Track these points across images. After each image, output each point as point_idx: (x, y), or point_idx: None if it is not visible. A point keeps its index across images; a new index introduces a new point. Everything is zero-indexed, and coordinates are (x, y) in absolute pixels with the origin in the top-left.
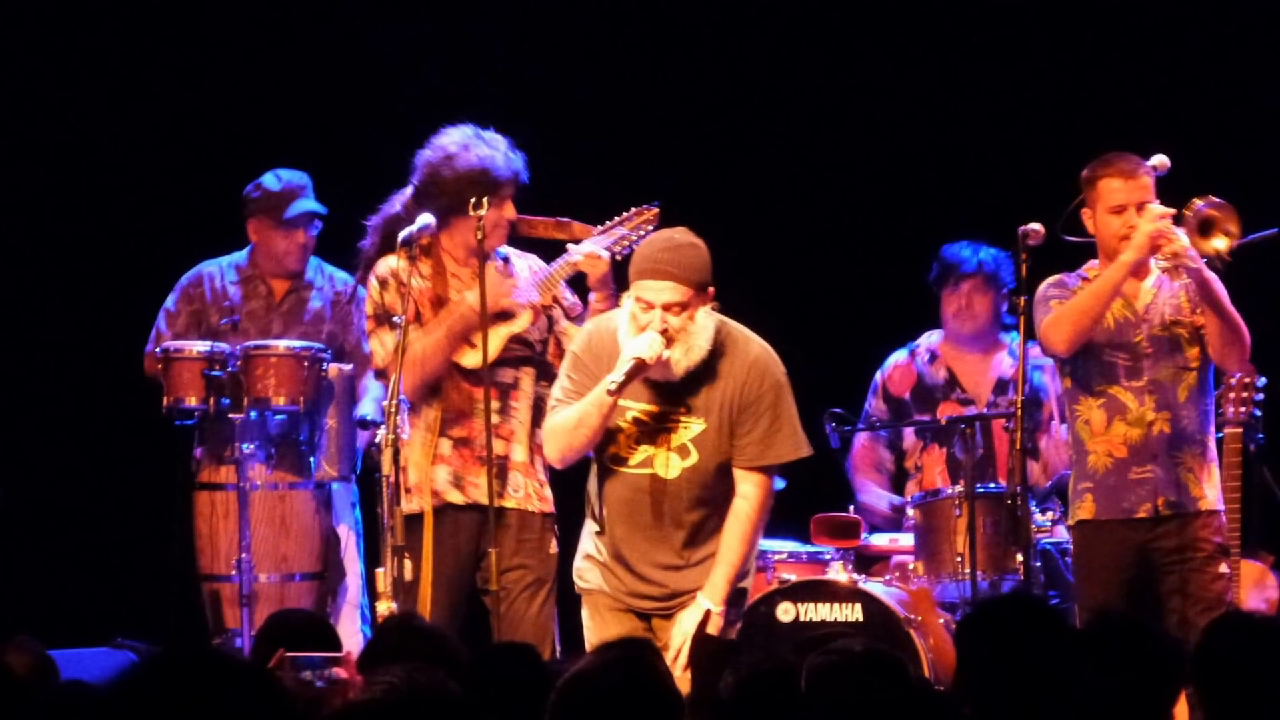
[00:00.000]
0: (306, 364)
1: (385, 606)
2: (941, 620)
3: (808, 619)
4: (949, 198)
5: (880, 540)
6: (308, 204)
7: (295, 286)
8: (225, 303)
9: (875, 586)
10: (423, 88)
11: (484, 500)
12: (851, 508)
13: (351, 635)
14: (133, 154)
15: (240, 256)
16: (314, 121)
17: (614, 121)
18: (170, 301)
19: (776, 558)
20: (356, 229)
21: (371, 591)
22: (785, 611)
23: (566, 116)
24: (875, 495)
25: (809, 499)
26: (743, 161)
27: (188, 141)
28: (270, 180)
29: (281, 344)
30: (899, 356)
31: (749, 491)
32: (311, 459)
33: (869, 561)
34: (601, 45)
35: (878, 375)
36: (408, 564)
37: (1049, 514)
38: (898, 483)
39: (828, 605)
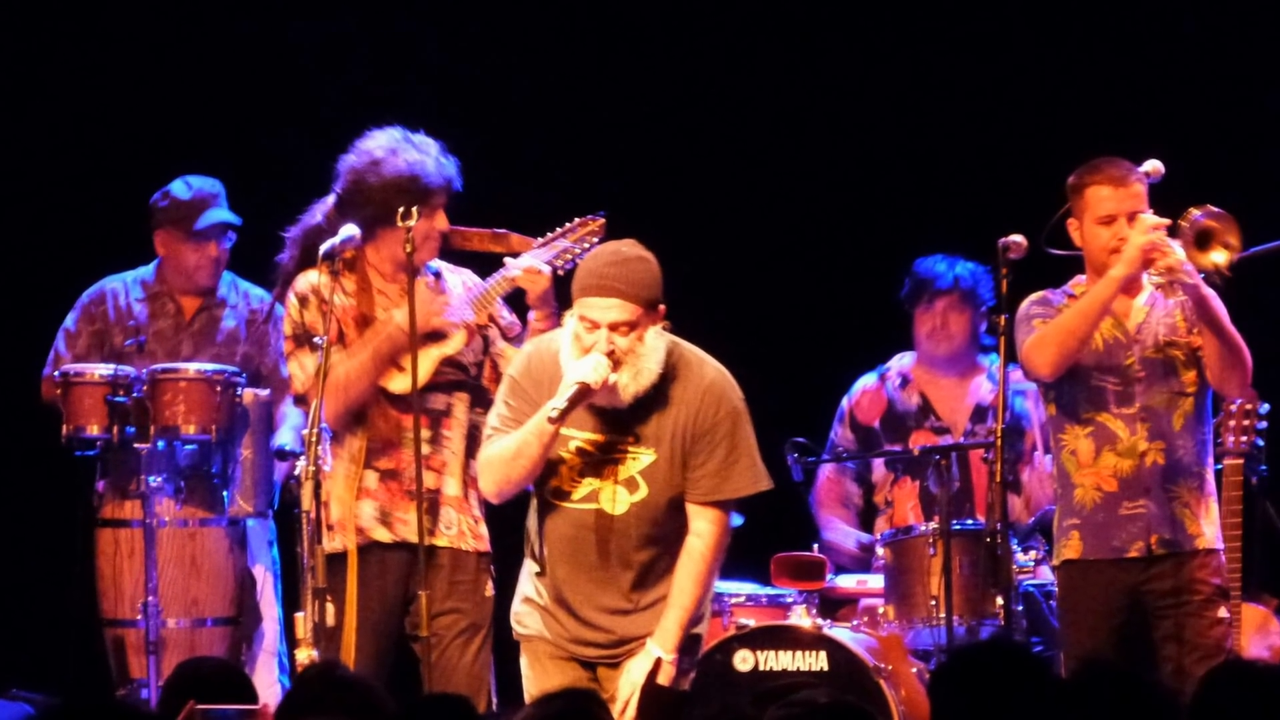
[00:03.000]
0: (219, 389)
1: (305, 654)
2: (914, 669)
3: (768, 668)
4: (923, 207)
5: (847, 582)
6: (220, 214)
7: (207, 304)
8: (130, 322)
9: (842, 633)
10: (346, 86)
11: (413, 538)
12: (816, 546)
13: (268, 685)
14: (28, 159)
15: (147, 271)
16: (227, 123)
17: (555, 123)
18: (70, 321)
19: (734, 601)
20: (274, 241)
21: (290, 638)
22: (743, 660)
23: (503, 118)
24: (841, 533)
25: (769, 537)
26: (696, 167)
27: (88, 145)
28: (179, 188)
29: (192, 367)
30: (868, 381)
31: (703, 529)
32: (225, 493)
33: (835, 605)
34: (541, 39)
35: (844, 401)
36: (330, 608)
37: (1032, 553)
38: (866, 519)
39: (790, 653)
